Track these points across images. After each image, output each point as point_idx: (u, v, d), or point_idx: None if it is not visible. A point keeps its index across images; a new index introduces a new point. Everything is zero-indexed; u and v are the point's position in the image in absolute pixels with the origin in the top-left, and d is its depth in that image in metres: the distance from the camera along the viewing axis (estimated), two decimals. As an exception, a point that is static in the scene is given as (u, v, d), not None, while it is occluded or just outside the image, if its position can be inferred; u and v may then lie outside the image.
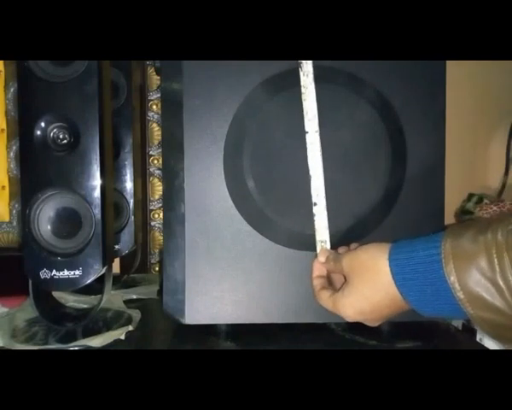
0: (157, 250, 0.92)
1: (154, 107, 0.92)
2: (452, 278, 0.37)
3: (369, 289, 0.43)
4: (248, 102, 0.54)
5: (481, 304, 0.37)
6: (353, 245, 0.49)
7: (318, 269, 0.50)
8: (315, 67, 0.51)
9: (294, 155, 0.53)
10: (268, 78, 0.54)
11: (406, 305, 0.42)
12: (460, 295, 0.37)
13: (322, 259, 0.49)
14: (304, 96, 0.50)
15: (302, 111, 0.51)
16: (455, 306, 0.38)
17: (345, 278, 0.46)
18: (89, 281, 0.53)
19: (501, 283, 0.36)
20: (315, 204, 0.50)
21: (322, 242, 0.50)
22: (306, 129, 0.50)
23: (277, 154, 0.54)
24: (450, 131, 0.57)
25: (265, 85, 0.54)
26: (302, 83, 0.50)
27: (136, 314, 0.62)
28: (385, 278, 0.41)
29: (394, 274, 0.41)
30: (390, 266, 0.41)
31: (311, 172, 0.50)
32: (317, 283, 0.49)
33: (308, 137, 0.50)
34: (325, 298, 0.47)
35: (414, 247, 0.41)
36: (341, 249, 0.50)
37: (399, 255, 0.41)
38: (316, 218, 0.50)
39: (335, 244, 0.50)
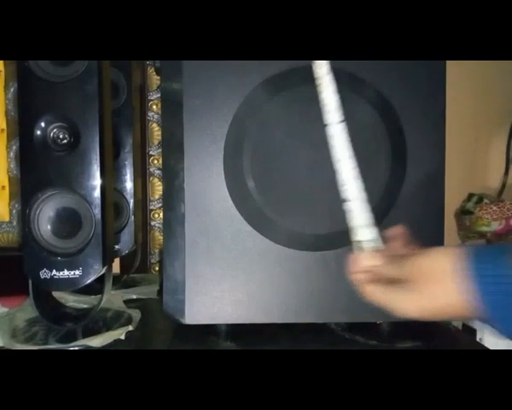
0: (157, 250, 0.93)
1: (154, 107, 0.92)
2: None
3: (437, 289, 0.39)
4: (248, 102, 0.54)
5: None
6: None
7: (363, 266, 0.44)
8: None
9: (294, 154, 0.53)
10: (268, 78, 0.54)
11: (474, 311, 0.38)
12: None
13: (377, 262, 0.44)
14: (321, 88, 0.48)
15: (302, 111, 0.50)
16: None
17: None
18: (89, 281, 0.53)
19: None
20: (346, 200, 0.45)
21: (366, 241, 0.46)
22: (327, 121, 0.47)
23: (277, 154, 0.54)
24: (451, 131, 0.57)
25: (265, 85, 0.54)
26: (317, 75, 0.48)
27: (136, 314, 0.62)
28: (458, 281, 0.38)
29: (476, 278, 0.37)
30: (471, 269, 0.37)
31: (337, 166, 0.46)
32: (364, 276, 0.44)
33: (329, 130, 0.47)
34: (378, 291, 0.42)
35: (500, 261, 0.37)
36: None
37: (484, 265, 0.37)
38: (352, 214, 0.46)
39: (335, 244, 0.50)
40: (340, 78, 0.54)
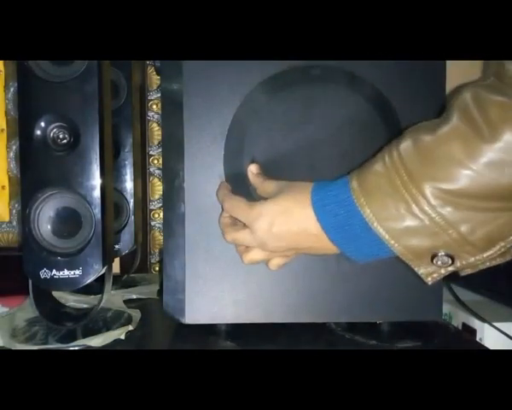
0: (157, 250, 0.93)
1: (154, 107, 0.92)
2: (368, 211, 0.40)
3: (289, 207, 0.45)
4: (248, 102, 0.54)
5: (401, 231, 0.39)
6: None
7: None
8: (314, 67, 0.51)
9: (294, 154, 0.53)
10: (268, 77, 0.54)
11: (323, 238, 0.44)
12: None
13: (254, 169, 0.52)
14: None
15: (302, 110, 0.50)
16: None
17: None
18: (89, 281, 0.53)
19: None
20: None
21: None
22: None
23: (277, 153, 0.54)
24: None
25: (265, 85, 0.54)
26: None
27: (136, 314, 0.62)
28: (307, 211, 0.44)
29: (313, 202, 0.44)
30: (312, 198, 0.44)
31: None
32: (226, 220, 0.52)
33: None
34: (241, 205, 0.48)
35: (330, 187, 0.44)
36: None
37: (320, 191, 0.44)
38: None
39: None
40: (339, 77, 0.55)
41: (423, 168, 0.38)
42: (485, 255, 0.39)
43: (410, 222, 0.39)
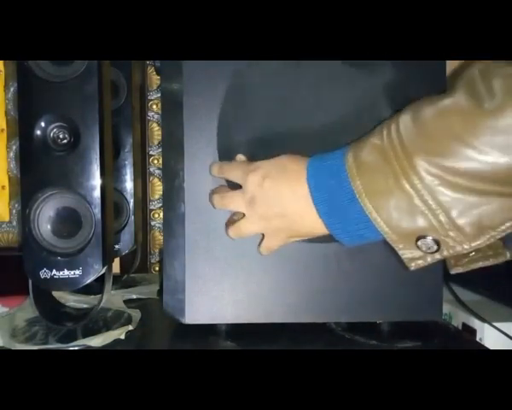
0: (157, 250, 0.93)
1: (154, 107, 0.92)
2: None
3: (285, 164, 0.46)
4: (246, 102, 0.54)
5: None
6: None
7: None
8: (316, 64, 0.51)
9: (295, 153, 0.53)
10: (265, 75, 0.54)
11: (314, 215, 0.43)
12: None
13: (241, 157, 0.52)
14: None
15: (302, 110, 0.51)
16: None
17: None
18: (89, 281, 0.53)
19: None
20: None
21: None
22: None
23: (277, 153, 0.54)
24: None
25: (264, 83, 0.54)
26: None
27: (136, 314, 0.62)
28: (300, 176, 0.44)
29: (308, 170, 0.44)
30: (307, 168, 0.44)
31: None
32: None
33: None
34: (240, 163, 0.50)
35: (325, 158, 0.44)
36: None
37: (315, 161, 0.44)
38: None
39: (335, 244, 0.50)
40: (339, 76, 0.55)
41: (418, 141, 0.36)
42: (473, 244, 0.37)
43: (397, 198, 0.37)
